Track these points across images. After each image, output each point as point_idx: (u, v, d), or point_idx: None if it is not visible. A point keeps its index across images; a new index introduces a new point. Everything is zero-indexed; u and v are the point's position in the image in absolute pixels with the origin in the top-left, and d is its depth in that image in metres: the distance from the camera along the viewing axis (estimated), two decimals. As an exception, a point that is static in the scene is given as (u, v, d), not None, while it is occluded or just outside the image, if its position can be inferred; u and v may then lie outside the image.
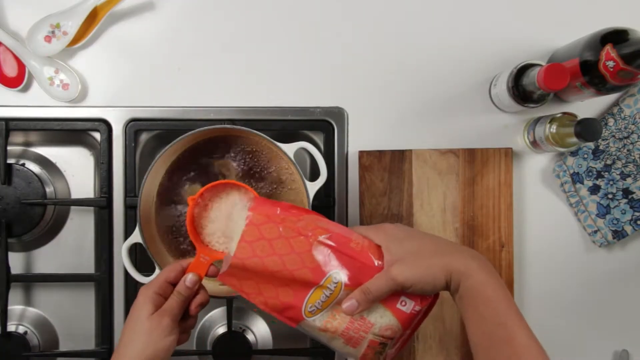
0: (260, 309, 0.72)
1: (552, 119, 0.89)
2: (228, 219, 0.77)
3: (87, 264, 0.99)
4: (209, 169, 0.88)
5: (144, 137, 0.97)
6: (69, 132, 0.98)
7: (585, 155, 0.95)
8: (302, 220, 0.72)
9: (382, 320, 0.71)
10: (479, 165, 0.94)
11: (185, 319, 0.75)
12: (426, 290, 0.70)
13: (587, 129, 0.82)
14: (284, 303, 0.71)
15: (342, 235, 0.72)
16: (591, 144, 0.95)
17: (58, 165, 0.99)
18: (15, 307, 0.98)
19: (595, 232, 0.96)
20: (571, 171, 0.95)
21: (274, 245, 0.71)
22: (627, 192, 0.95)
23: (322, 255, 0.71)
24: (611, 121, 0.95)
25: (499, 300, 0.68)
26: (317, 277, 0.70)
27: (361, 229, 0.74)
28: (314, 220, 0.72)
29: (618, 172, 0.95)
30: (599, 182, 0.96)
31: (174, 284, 0.74)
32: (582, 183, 0.96)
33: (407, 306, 0.71)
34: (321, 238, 0.71)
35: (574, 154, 0.96)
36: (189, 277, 0.74)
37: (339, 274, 0.70)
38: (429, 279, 0.69)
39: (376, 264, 0.71)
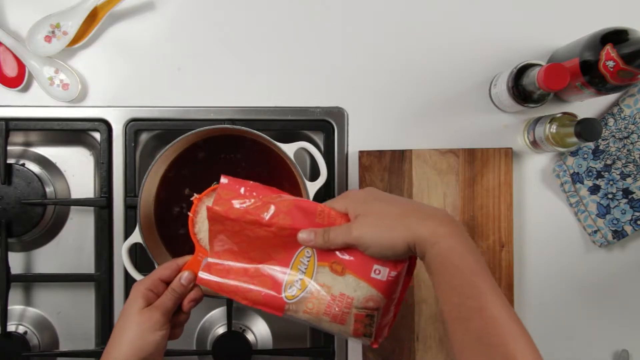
0: (244, 304, 0.71)
1: (552, 119, 0.89)
2: None
3: (87, 264, 0.99)
4: (209, 169, 0.88)
5: (144, 137, 0.98)
6: (69, 132, 0.98)
7: (585, 155, 0.95)
8: (264, 205, 0.70)
9: (359, 292, 0.69)
10: (479, 165, 0.94)
11: (177, 315, 0.75)
12: (386, 255, 0.67)
13: (587, 129, 0.82)
14: (263, 293, 0.70)
15: (304, 211, 0.70)
16: (591, 144, 0.95)
17: (58, 165, 0.99)
18: (15, 307, 0.98)
19: (595, 232, 0.96)
20: (571, 171, 0.95)
21: (242, 236, 0.71)
22: (627, 192, 0.95)
23: (288, 238, 0.70)
24: (611, 121, 0.95)
25: (468, 268, 0.63)
26: (289, 257, 0.70)
27: (328, 201, 0.72)
28: (276, 202, 0.70)
29: (618, 172, 0.95)
30: (599, 182, 0.96)
31: (167, 282, 0.75)
32: (582, 183, 0.95)
33: (382, 274, 0.68)
34: (283, 222, 0.69)
35: (574, 154, 0.95)
36: (185, 275, 0.74)
37: (310, 249, 0.70)
38: (386, 243, 0.66)
39: None
